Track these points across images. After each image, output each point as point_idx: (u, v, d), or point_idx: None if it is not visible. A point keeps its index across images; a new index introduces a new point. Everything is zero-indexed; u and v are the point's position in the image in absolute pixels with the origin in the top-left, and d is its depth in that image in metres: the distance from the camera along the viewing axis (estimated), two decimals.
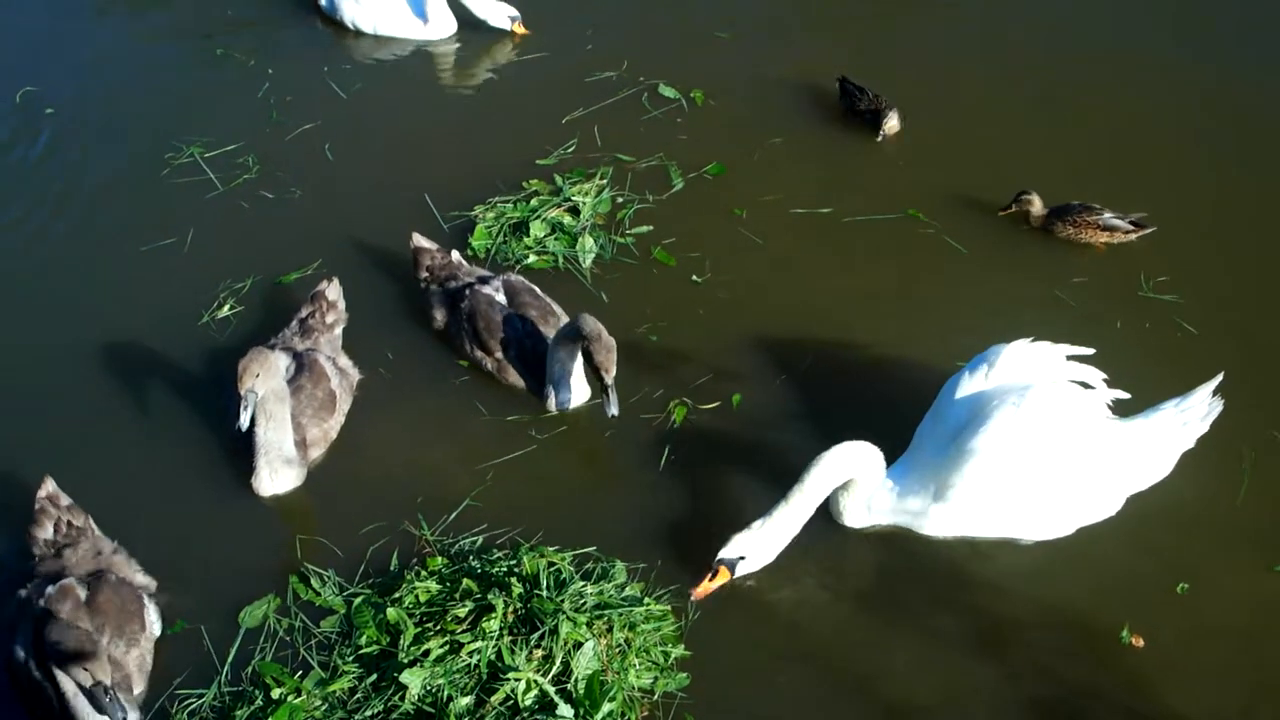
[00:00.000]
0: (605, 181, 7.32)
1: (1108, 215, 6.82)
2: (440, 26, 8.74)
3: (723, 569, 5.07)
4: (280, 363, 5.54)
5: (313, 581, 5.30)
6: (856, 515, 5.35)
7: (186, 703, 4.94)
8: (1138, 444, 5.27)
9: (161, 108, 8.27)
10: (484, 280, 6.33)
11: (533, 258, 6.88)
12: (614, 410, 5.61)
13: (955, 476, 5.15)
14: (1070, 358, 5.46)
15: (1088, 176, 7.34)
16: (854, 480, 5.20)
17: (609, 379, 5.58)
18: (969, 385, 5.36)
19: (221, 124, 8.03)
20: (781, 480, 5.29)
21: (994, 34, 8.76)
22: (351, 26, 8.82)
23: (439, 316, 6.36)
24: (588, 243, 6.91)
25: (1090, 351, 5.56)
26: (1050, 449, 5.12)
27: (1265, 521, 5.44)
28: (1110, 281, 6.70)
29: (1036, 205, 6.97)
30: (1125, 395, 5.50)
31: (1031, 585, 5.24)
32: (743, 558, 5.06)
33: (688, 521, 5.53)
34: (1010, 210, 7.03)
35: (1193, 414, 5.32)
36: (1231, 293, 6.60)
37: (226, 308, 6.67)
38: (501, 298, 6.19)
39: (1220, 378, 5.42)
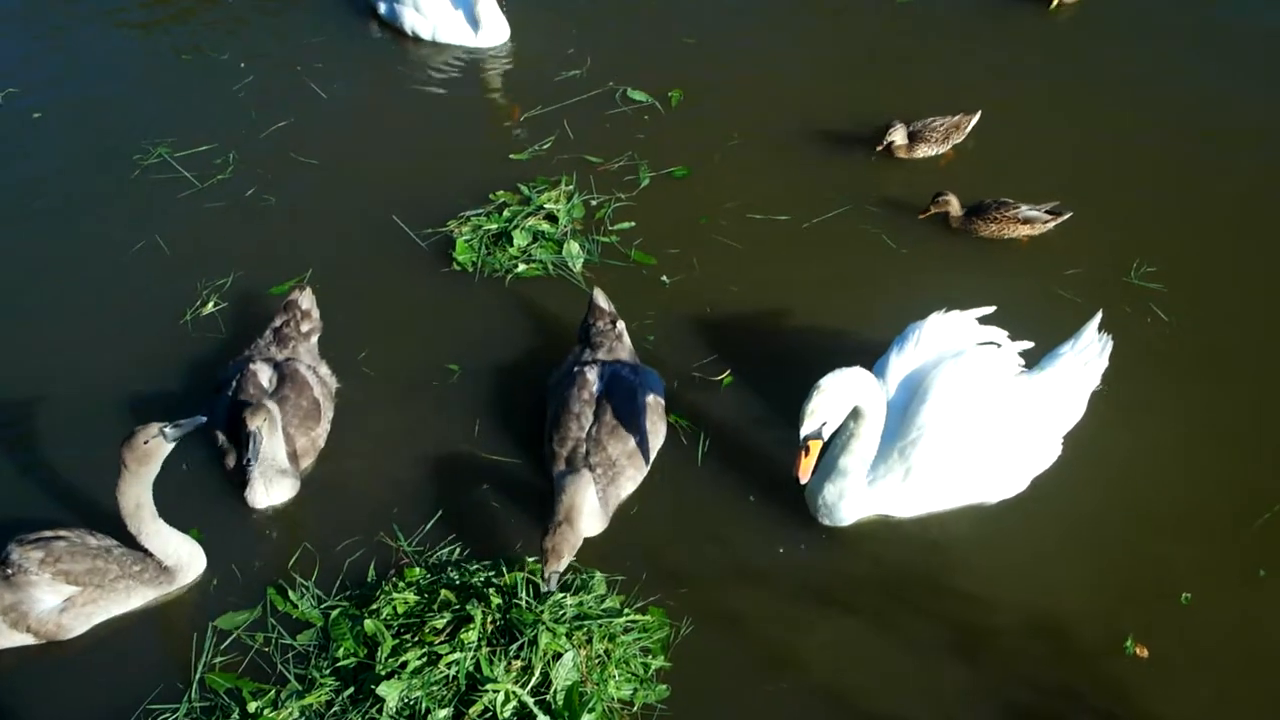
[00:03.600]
0: (571, 187, 6.81)
1: (1024, 208, 6.40)
2: (491, 35, 8.30)
3: (812, 444, 4.56)
4: (273, 407, 5.09)
5: (290, 594, 4.79)
6: (838, 511, 4.91)
7: (161, 717, 4.43)
8: (1057, 390, 5.08)
9: (141, 107, 7.76)
10: (594, 364, 5.39)
11: (522, 267, 6.35)
12: (548, 587, 4.65)
13: (917, 453, 4.84)
14: (980, 320, 5.28)
15: (1047, 178, 6.89)
16: (853, 440, 4.75)
17: (544, 564, 4.64)
18: (899, 364, 5.10)
19: (201, 123, 7.54)
20: (760, 493, 4.87)
21: (951, 32, 8.30)
22: (411, 33, 8.42)
23: (554, 375, 5.60)
24: (573, 247, 6.39)
25: (993, 309, 5.31)
26: (993, 408, 4.91)
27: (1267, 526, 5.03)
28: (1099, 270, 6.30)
29: (954, 206, 6.50)
30: (1029, 344, 5.26)
31: (1030, 595, 4.79)
32: (825, 423, 4.54)
33: (666, 533, 5.06)
34: (929, 213, 6.55)
35: (1089, 353, 5.14)
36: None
37: (211, 304, 6.19)
38: (597, 387, 5.27)
39: (1100, 315, 5.19)
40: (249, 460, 4.89)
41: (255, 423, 4.88)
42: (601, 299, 5.69)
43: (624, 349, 5.54)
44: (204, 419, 4.70)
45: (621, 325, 5.64)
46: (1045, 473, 5.09)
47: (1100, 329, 5.21)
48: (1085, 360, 5.13)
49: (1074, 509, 5.06)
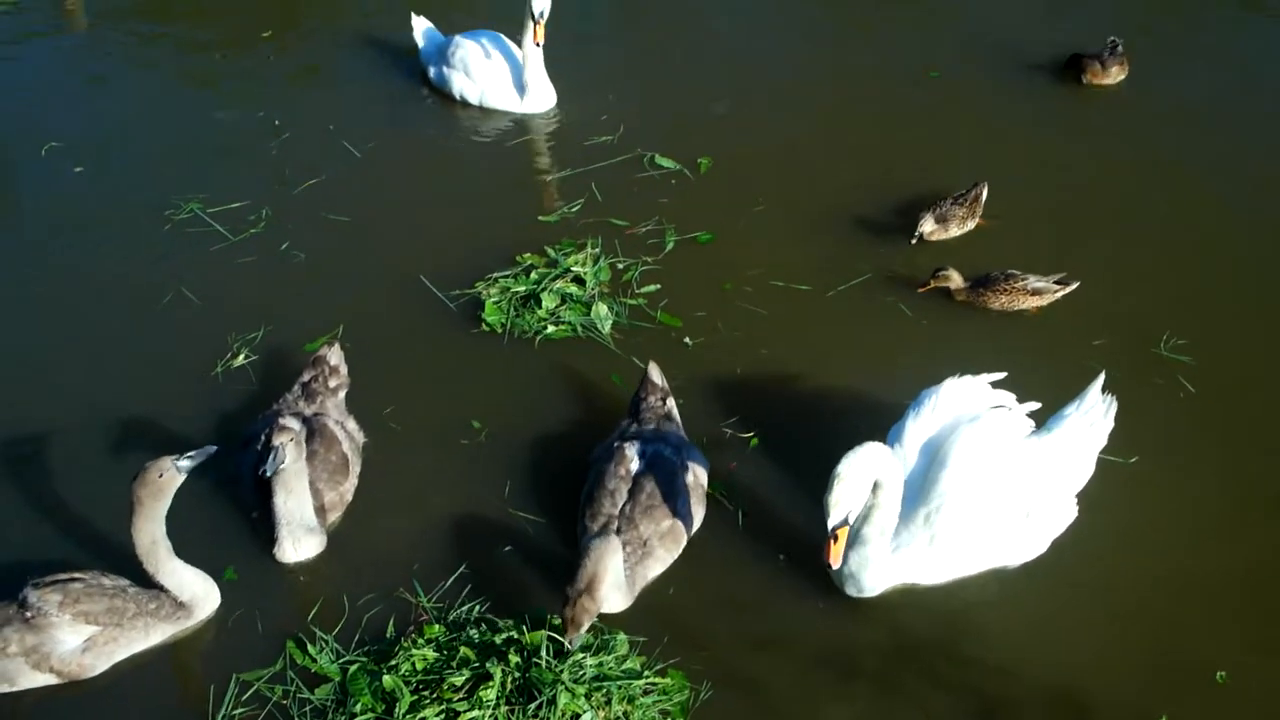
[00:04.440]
0: (598, 250, 6.81)
1: (1032, 279, 6.33)
2: (537, 101, 8.33)
3: (840, 530, 4.47)
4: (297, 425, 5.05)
5: (310, 647, 4.73)
6: (863, 581, 4.82)
7: None
8: (1069, 450, 5.03)
9: (180, 163, 7.83)
10: (637, 441, 5.24)
11: (551, 328, 6.33)
12: (570, 647, 4.56)
13: (940, 519, 4.78)
14: (992, 384, 5.25)
15: (1073, 250, 6.86)
16: (869, 523, 4.68)
17: (564, 625, 4.56)
18: (916, 429, 5.04)
19: (237, 179, 7.61)
20: (780, 560, 4.80)
21: (982, 106, 8.34)
22: (459, 98, 8.48)
23: (598, 447, 5.47)
24: (601, 309, 6.37)
25: (1003, 375, 5.28)
26: (1011, 471, 4.87)
27: None
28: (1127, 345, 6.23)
29: (955, 280, 6.42)
30: (1037, 405, 5.24)
31: (1059, 670, 4.64)
32: (851, 510, 4.46)
33: (689, 595, 4.98)
34: (929, 287, 6.47)
35: (1095, 414, 5.10)
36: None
37: (241, 357, 6.19)
38: (636, 464, 5.14)
39: (1103, 376, 5.15)
40: (264, 471, 4.82)
41: (280, 439, 4.82)
42: (656, 374, 5.56)
43: (672, 427, 5.41)
44: (214, 448, 4.70)
45: (671, 402, 5.52)
46: (1074, 545, 5.01)
47: (1105, 390, 5.16)
48: (1091, 421, 5.08)
49: (1104, 583, 4.96)
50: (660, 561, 4.98)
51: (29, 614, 4.56)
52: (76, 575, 4.71)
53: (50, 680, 4.63)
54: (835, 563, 4.53)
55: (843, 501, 4.42)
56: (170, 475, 4.54)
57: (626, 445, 5.20)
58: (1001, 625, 4.82)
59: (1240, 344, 6.22)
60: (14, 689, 4.60)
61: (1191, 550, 5.10)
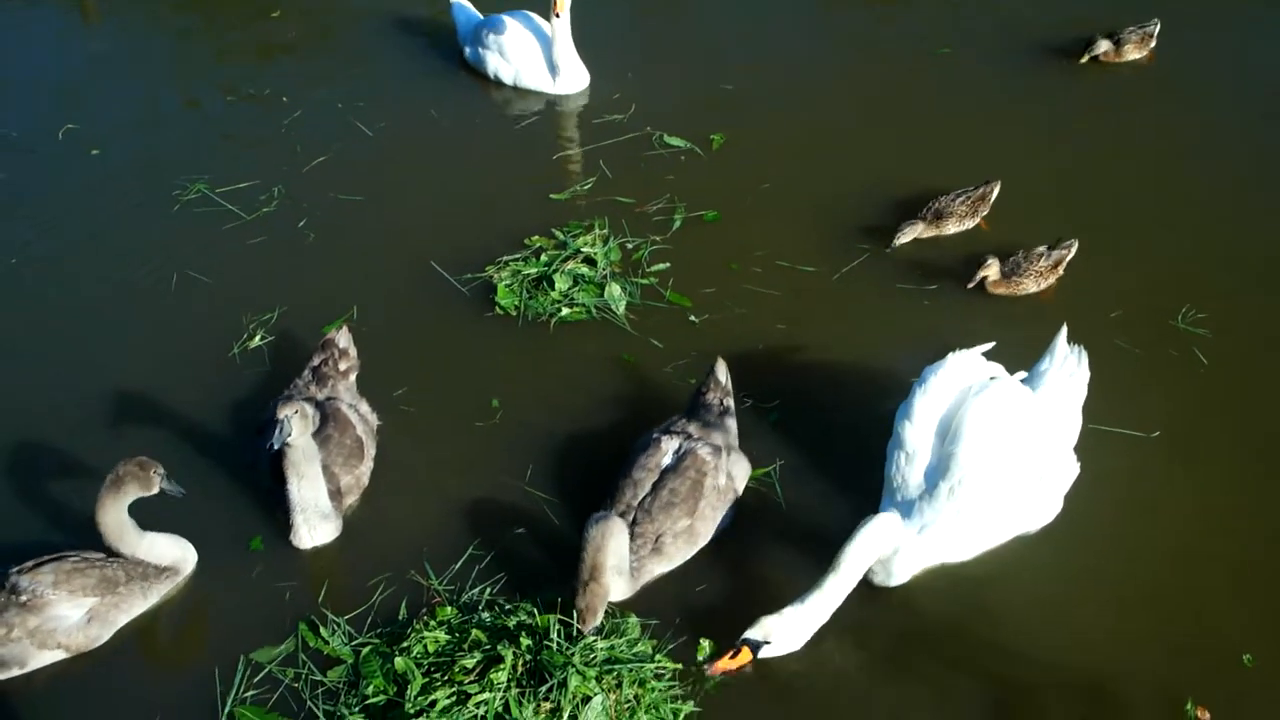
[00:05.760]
0: (606, 230, 6.70)
1: (1045, 250, 6.21)
2: (568, 82, 8.21)
3: (745, 649, 4.36)
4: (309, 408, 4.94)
5: (322, 630, 4.67)
6: (894, 572, 4.73)
7: None
8: (1059, 406, 4.98)
9: (191, 143, 7.77)
10: (679, 435, 5.07)
11: (565, 311, 6.22)
12: (587, 632, 4.49)
13: (965, 491, 4.67)
14: (984, 354, 5.19)
15: (1087, 223, 6.68)
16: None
17: (579, 623, 4.48)
18: (925, 407, 4.91)
19: (250, 159, 7.54)
20: (801, 546, 4.75)
21: (990, 84, 8.20)
22: (493, 78, 8.39)
23: (640, 439, 5.19)
24: (615, 290, 6.26)
25: (992, 345, 5.20)
26: (1023, 434, 4.78)
27: None
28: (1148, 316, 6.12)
29: (994, 271, 6.18)
30: (1024, 374, 5.15)
31: (1084, 655, 4.53)
32: (768, 642, 4.35)
33: (702, 580, 4.89)
34: (976, 281, 6.17)
35: (1069, 365, 5.07)
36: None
37: (258, 338, 6.11)
38: (668, 459, 5.00)
39: (1065, 327, 5.13)
40: (270, 445, 4.71)
41: (285, 412, 4.70)
42: (722, 372, 5.30)
43: (722, 427, 5.18)
44: (183, 492, 4.78)
45: (730, 402, 5.28)
46: (1093, 522, 4.92)
47: (1070, 341, 5.10)
48: (1069, 372, 5.03)
49: (1124, 561, 4.85)
50: (670, 560, 4.86)
51: (24, 598, 4.52)
52: (60, 555, 4.69)
53: (59, 656, 4.60)
54: (713, 673, 4.41)
55: (769, 631, 4.33)
56: (152, 480, 4.63)
57: (664, 439, 5.05)
58: (1022, 607, 4.71)
59: (1258, 317, 6.09)
60: (25, 670, 4.57)
61: (1215, 527, 4.98)
